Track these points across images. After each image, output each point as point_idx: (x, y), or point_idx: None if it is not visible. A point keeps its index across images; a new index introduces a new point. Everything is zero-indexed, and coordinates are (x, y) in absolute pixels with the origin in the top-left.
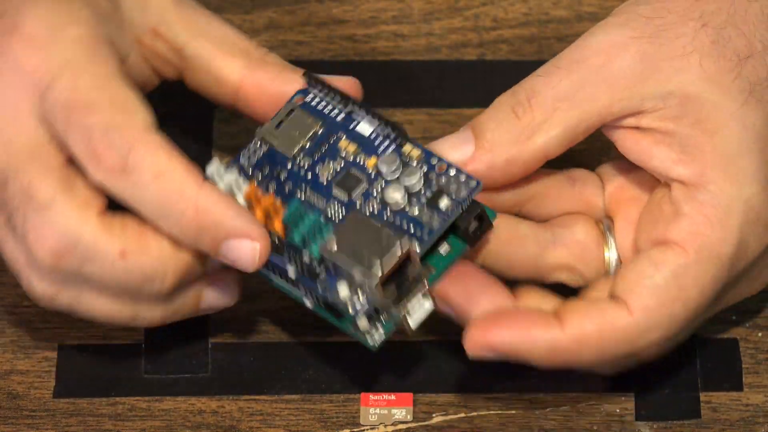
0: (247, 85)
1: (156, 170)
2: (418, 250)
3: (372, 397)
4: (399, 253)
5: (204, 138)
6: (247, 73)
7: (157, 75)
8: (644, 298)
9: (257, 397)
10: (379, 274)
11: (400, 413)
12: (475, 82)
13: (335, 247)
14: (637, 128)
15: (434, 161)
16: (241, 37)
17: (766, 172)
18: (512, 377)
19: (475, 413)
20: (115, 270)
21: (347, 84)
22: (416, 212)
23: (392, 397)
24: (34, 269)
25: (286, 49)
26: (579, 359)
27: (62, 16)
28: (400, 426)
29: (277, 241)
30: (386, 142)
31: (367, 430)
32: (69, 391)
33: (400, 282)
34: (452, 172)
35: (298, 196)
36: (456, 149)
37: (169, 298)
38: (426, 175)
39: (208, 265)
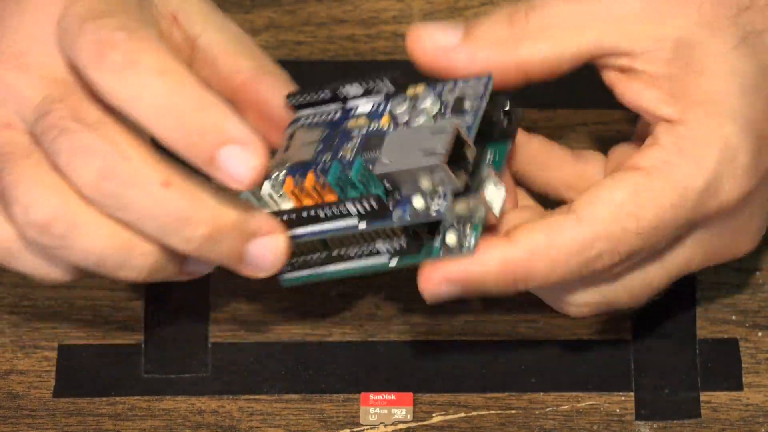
0: (249, 89)
1: (161, 68)
2: (458, 124)
3: (372, 396)
4: (450, 131)
5: None
6: (252, 75)
7: None
8: (597, 208)
9: (257, 397)
10: (443, 152)
11: (400, 413)
12: None
13: (388, 162)
14: (630, 70)
15: (439, 84)
16: (254, 43)
17: (748, 115)
18: (512, 377)
19: (475, 413)
20: (154, 197)
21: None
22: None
23: (392, 396)
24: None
25: (286, 49)
26: (532, 274)
27: None
28: (400, 426)
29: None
30: (389, 104)
31: (367, 430)
32: (69, 391)
33: (464, 167)
34: (461, 83)
35: (338, 159)
36: (443, 32)
37: (173, 253)
38: (439, 96)
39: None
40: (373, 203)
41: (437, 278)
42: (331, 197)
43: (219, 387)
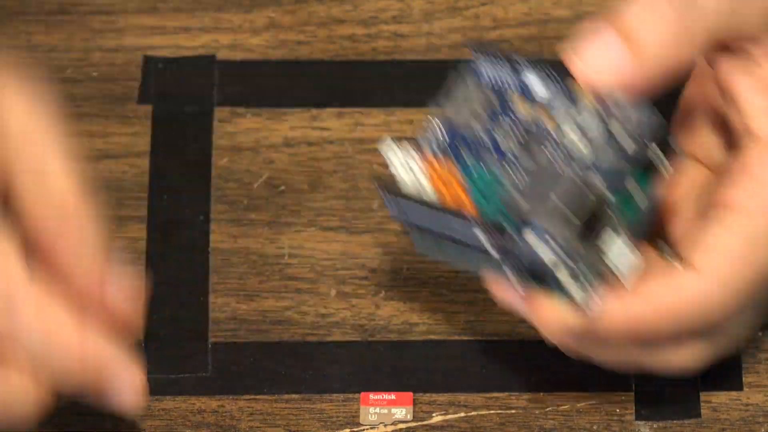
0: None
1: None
2: (606, 192)
3: (372, 396)
4: (590, 197)
5: (204, 138)
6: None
7: None
8: (714, 261)
9: (257, 397)
10: (576, 222)
11: (400, 413)
12: None
13: (526, 206)
14: (749, 60)
15: (606, 100)
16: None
17: None
18: (512, 377)
19: (475, 413)
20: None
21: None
22: (599, 155)
23: (392, 396)
24: None
25: (286, 49)
26: (658, 330)
27: None
28: (401, 426)
29: (466, 216)
30: (562, 99)
31: (367, 430)
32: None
33: (594, 226)
34: (626, 108)
35: (481, 165)
36: (605, 55)
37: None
38: (601, 116)
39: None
40: (499, 227)
41: (557, 326)
42: (463, 197)
43: (219, 387)
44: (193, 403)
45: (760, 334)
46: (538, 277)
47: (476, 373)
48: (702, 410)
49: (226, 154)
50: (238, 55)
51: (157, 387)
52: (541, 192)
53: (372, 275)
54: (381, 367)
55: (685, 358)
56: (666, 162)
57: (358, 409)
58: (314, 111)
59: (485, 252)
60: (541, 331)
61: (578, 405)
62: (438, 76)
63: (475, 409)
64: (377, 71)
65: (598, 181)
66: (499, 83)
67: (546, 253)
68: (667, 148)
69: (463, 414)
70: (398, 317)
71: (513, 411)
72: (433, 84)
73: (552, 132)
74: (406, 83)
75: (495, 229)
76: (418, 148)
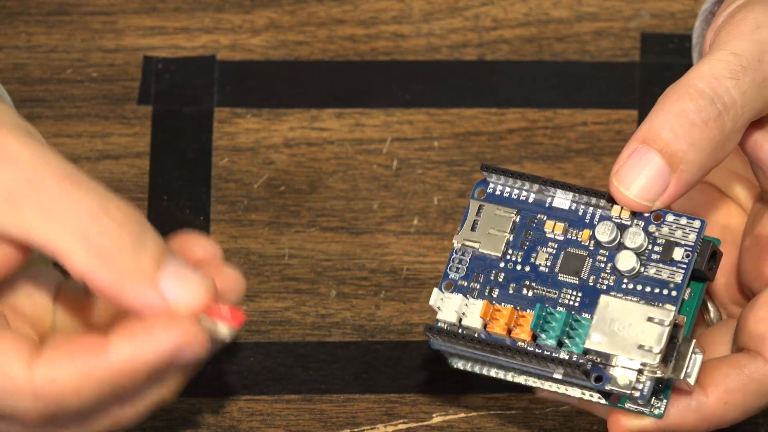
0: (89, 283)
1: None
2: (676, 312)
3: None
4: (668, 325)
5: (204, 138)
6: (86, 272)
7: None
8: None
9: (257, 397)
10: (659, 352)
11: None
12: (475, 82)
13: (600, 340)
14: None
15: (646, 213)
16: (84, 216)
17: None
18: None
19: (475, 413)
20: None
21: (230, 280)
22: (654, 272)
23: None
24: None
25: (286, 49)
26: (726, 421)
27: None
28: (401, 425)
29: (528, 349)
30: (591, 209)
31: (367, 430)
32: None
33: (671, 349)
34: (670, 218)
35: (529, 294)
36: (654, 184)
37: None
38: (646, 230)
39: None
40: (579, 371)
41: (626, 428)
42: (525, 333)
43: (219, 387)
44: (193, 404)
45: None
46: (608, 394)
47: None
48: None
49: (226, 155)
50: (238, 56)
51: None
52: (615, 328)
53: (372, 275)
54: (381, 368)
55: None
56: (712, 264)
57: (358, 409)
58: (314, 111)
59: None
60: None
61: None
62: (438, 76)
63: (475, 409)
64: (377, 71)
65: (670, 305)
66: (518, 200)
67: (632, 386)
68: (715, 254)
69: (463, 414)
70: (398, 317)
71: (513, 411)
72: (433, 84)
73: (587, 244)
74: (406, 83)
75: (578, 370)
76: (464, 291)
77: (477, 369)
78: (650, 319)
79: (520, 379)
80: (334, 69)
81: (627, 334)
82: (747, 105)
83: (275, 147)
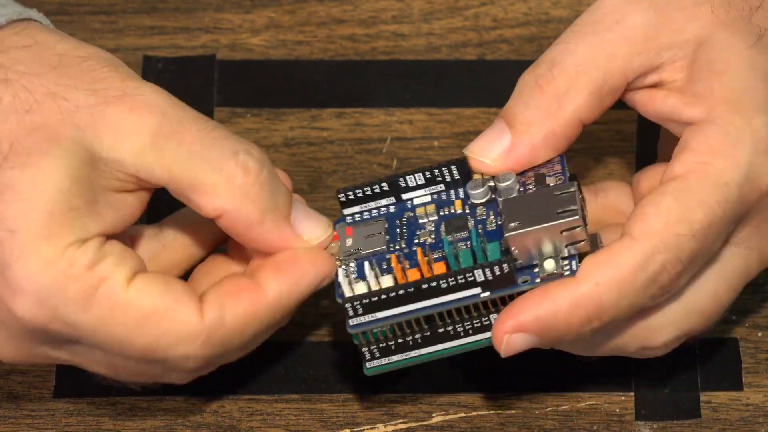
0: (228, 220)
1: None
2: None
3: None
4: (575, 189)
5: None
6: (229, 209)
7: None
8: (647, 223)
9: (257, 397)
10: (577, 208)
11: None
12: (475, 82)
13: (518, 225)
14: (655, 85)
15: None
16: (225, 158)
17: None
18: (512, 377)
19: (475, 413)
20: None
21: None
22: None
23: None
24: None
25: (286, 49)
26: (603, 304)
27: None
28: (401, 425)
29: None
30: (452, 191)
31: (367, 430)
32: (69, 391)
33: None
34: (529, 171)
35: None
36: (494, 142)
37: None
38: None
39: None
40: (503, 269)
41: (508, 328)
42: (439, 267)
43: (219, 387)
44: (193, 403)
45: (760, 334)
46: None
47: (476, 373)
48: (702, 410)
49: None
50: (238, 55)
51: (157, 387)
52: (534, 212)
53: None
54: None
55: (659, 344)
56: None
57: (358, 409)
58: (314, 111)
59: (464, 312)
60: (498, 341)
61: (578, 405)
62: (438, 76)
63: (475, 409)
64: (377, 71)
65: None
66: (382, 214)
67: (560, 268)
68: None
69: (463, 414)
70: None
71: (513, 411)
72: (433, 84)
73: (465, 210)
74: (406, 83)
75: (494, 268)
76: (362, 275)
77: (396, 359)
78: (556, 194)
79: (442, 347)
80: (334, 69)
81: (544, 210)
82: (580, 63)
83: (275, 147)
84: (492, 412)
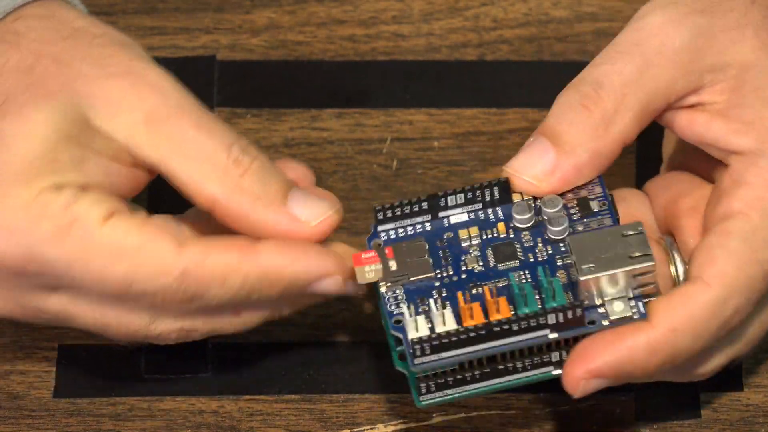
0: (220, 209)
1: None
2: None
3: (363, 256)
4: (644, 231)
5: None
6: (219, 198)
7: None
8: (719, 267)
9: (257, 397)
10: (651, 252)
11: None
12: (475, 82)
13: (591, 269)
14: (695, 106)
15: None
16: (219, 149)
17: None
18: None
19: (475, 413)
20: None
21: (298, 172)
22: (583, 228)
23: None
24: None
25: (286, 49)
26: (679, 349)
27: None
28: (401, 425)
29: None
30: (490, 210)
31: (367, 430)
32: (69, 391)
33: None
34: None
35: (481, 291)
36: (538, 161)
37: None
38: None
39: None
40: (576, 313)
41: (584, 374)
42: (504, 310)
43: (219, 387)
44: (193, 403)
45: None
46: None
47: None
48: (702, 410)
49: None
50: (238, 56)
51: (157, 387)
52: (604, 254)
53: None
54: (381, 368)
55: (711, 370)
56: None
57: (358, 409)
58: (314, 111)
59: (528, 350)
60: (571, 386)
61: (578, 405)
62: (438, 76)
63: (475, 409)
64: (377, 71)
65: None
66: (419, 233)
67: (630, 310)
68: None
69: (463, 414)
70: None
71: (513, 411)
72: (433, 84)
73: (508, 234)
74: (406, 83)
75: (566, 312)
76: (416, 306)
77: (451, 392)
78: (625, 235)
79: (498, 381)
80: (334, 69)
81: (612, 253)
82: (627, 85)
83: (275, 147)
84: (492, 412)
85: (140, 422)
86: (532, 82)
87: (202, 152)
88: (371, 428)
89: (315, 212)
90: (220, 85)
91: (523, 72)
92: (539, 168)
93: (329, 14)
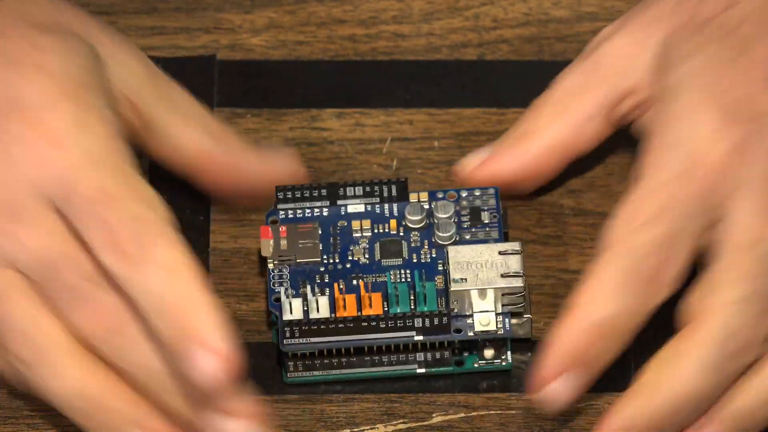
0: (210, 161)
1: (171, 265)
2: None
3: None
4: (520, 251)
5: None
6: (205, 147)
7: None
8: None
9: (257, 397)
10: (522, 274)
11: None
12: (475, 82)
13: (463, 279)
14: (641, 104)
15: (440, 192)
16: (203, 111)
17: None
18: (512, 377)
19: (475, 413)
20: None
21: (286, 160)
22: (469, 237)
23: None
24: None
25: (286, 49)
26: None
27: (88, 114)
28: (401, 425)
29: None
30: (386, 205)
31: (367, 430)
32: None
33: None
34: (464, 193)
35: (360, 284)
36: (474, 158)
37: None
38: (454, 205)
39: None
40: (442, 321)
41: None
42: (377, 311)
43: None
44: None
45: None
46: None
47: (476, 373)
48: None
49: None
50: (238, 55)
51: None
52: (478, 268)
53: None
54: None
55: None
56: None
57: (359, 409)
58: (314, 111)
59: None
60: None
61: (578, 405)
62: (438, 76)
63: (475, 409)
64: (377, 71)
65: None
66: (314, 216)
67: (495, 326)
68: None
69: (463, 414)
70: None
71: (513, 411)
72: (433, 84)
73: (398, 231)
74: (406, 83)
75: (433, 317)
76: (296, 292)
77: (317, 374)
78: (502, 252)
79: (364, 371)
80: (334, 69)
81: (485, 269)
82: (566, 92)
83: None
84: (492, 412)
85: None
86: (532, 82)
87: (191, 111)
88: (371, 428)
89: (277, 162)
90: (220, 85)
91: (523, 72)
92: (474, 161)
93: (329, 14)
